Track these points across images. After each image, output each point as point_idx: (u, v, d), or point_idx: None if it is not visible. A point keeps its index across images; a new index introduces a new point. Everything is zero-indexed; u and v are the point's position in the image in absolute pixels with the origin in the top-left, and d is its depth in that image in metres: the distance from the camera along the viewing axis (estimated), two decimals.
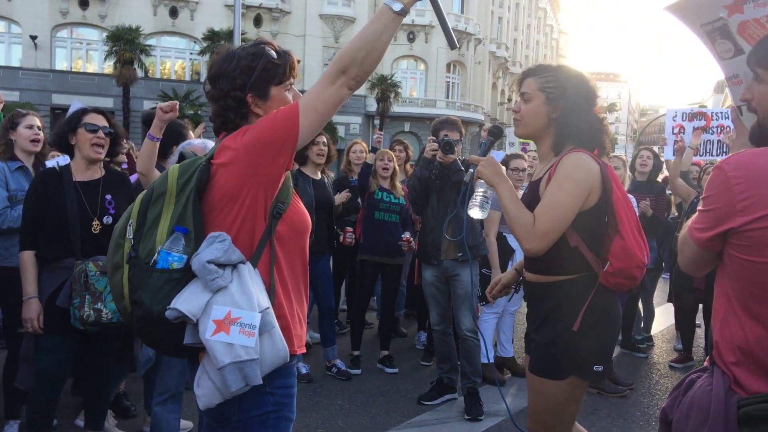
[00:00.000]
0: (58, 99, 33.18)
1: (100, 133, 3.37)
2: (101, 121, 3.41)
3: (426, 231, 4.77)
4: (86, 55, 37.12)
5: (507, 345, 5.66)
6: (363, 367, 5.52)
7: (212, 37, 32.73)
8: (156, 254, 1.83)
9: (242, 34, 28.42)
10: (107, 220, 3.35)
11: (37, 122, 4.15)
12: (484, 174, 2.58)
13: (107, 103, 32.92)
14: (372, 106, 39.02)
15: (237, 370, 1.77)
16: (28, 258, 3.30)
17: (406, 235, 5.43)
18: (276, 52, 2.04)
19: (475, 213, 2.64)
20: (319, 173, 5.35)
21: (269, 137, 1.86)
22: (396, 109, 39.00)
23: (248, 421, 1.91)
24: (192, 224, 1.86)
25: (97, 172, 3.47)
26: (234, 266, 1.86)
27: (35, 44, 34.36)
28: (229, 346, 1.76)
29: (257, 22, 38.01)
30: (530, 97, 2.59)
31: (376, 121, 39.12)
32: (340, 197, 5.82)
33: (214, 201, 1.92)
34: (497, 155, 6.40)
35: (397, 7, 1.88)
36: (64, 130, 3.38)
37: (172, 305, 1.79)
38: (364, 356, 5.70)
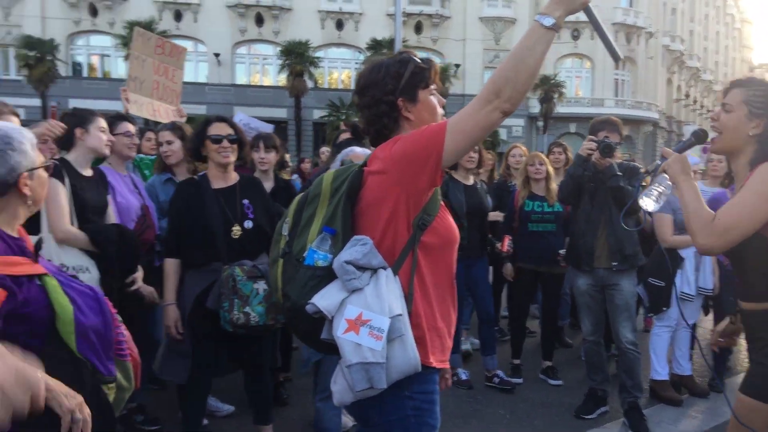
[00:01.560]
0: (239, 111, 36.00)
1: (225, 142, 3.55)
2: (225, 129, 3.59)
3: (577, 235, 4.55)
4: (262, 69, 39.95)
5: (683, 362, 5.19)
6: (525, 377, 5.38)
7: (375, 46, 33.76)
8: (306, 251, 1.92)
9: (403, 42, 29.16)
10: (248, 224, 3.52)
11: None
12: (672, 169, 2.45)
13: (281, 113, 35.23)
14: (535, 107, 38.12)
15: (363, 370, 1.81)
16: (170, 266, 3.55)
17: (563, 251, 5.17)
18: (420, 59, 2.10)
19: (647, 203, 2.50)
20: (471, 178, 5.28)
21: (414, 152, 1.90)
22: (560, 109, 37.77)
23: (389, 424, 1.95)
24: (340, 226, 1.95)
25: (232, 179, 3.65)
26: (374, 270, 1.91)
27: (218, 61, 37.57)
28: (358, 346, 1.81)
29: (418, 28, 38.66)
30: (732, 108, 2.44)
31: (540, 123, 38.16)
32: (495, 216, 5.73)
33: (363, 206, 2.00)
34: (690, 160, 5.93)
35: (549, 22, 1.81)
36: (195, 142, 3.60)
37: (312, 300, 1.88)
38: (527, 365, 5.55)
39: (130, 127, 4.09)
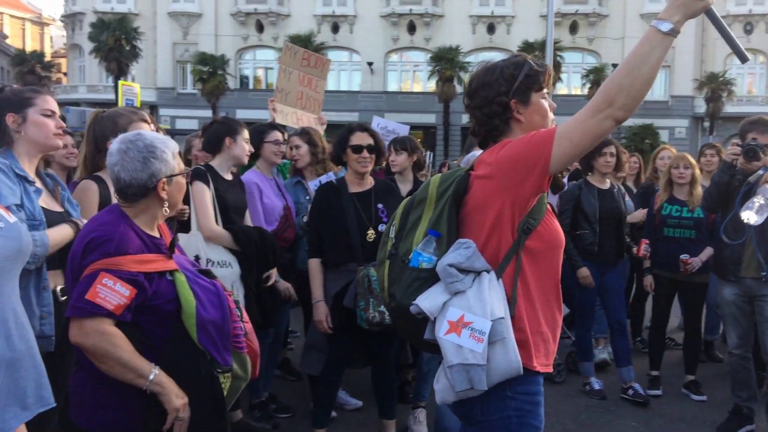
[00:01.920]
0: (389, 117, 36.93)
1: (365, 152, 3.70)
2: (365, 139, 3.73)
3: (723, 244, 4.20)
4: (413, 75, 40.67)
5: None
6: (665, 390, 5.07)
7: (526, 49, 33.11)
8: (411, 254, 2.00)
9: (557, 43, 28.39)
10: (381, 228, 3.64)
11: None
12: None
13: (430, 119, 35.65)
14: (701, 107, 35.44)
15: (463, 371, 1.84)
16: (314, 265, 3.75)
17: (686, 256, 4.82)
18: (534, 62, 2.10)
19: (748, 216, 2.31)
20: (607, 182, 5.07)
21: (521, 158, 1.91)
22: (730, 109, 34.74)
23: (490, 423, 1.97)
24: (445, 229, 2.00)
25: (368, 184, 3.81)
26: (477, 274, 1.94)
27: (371, 69, 38.80)
28: (459, 347, 1.85)
29: (573, 28, 37.41)
30: None
31: (706, 124, 35.39)
32: (635, 216, 5.47)
33: (468, 210, 2.03)
34: None
35: (666, 27, 1.75)
36: (337, 149, 3.78)
37: (415, 301, 1.93)
38: (669, 378, 5.22)
39: (279, 136, 4.42)
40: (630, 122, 34.90)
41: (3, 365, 1.36)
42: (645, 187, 6.36)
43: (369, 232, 3.65)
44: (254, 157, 4.32)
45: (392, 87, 40.44)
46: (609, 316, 5.13)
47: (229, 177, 3.96)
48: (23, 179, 2.49)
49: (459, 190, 2.03)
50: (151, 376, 2.00)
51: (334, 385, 3.84)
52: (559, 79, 29.01)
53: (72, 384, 2.15)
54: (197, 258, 3.61)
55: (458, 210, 2.04)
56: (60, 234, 2.55)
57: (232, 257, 3.67)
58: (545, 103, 2.10)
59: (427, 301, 1.92)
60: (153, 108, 39.50)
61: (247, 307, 3.61)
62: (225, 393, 2.19)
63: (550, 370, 2.05)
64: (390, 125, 6.82)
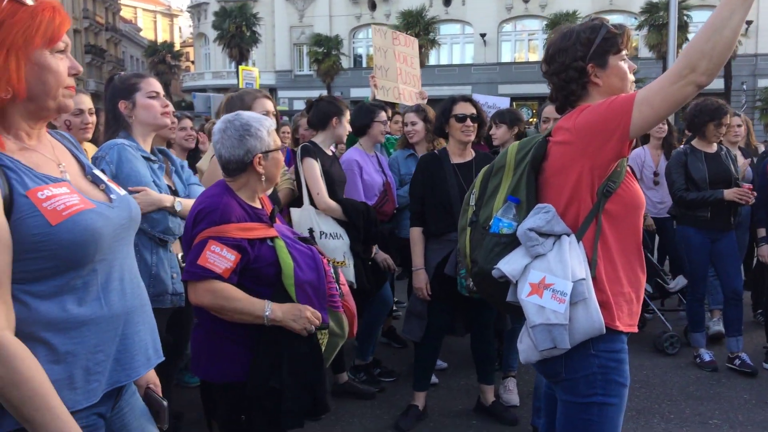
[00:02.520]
0: (503, 89, 36.26)
1: (468, 121, 3.73)
2: (469, 108, 3.77)
3: None
4: (528, 45, 39.52)
5: None
6: None
7: (650, 9, 31.29)
8: (491, 220, 2.07)
9: (683, 1, 26.55)
10: None
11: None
12: None
13: (545, 89, 34.49)
14: None
15: (546, 331, 1.90)
16: (416, 234, 3.84)
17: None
18: (611, 25, 2.09)
19: None
20: (714, 146, 4.80)
21: (599, 124, 1.92)
22: None
23: (575, 380, 2.00)
24: (524, 195, 2.05)
25: (469, 155, 3.85)
26: (557, 237, 1.98)
27: (484, 41, 38.11)
28: (541, 308, 1.91)
29: None
30: None
31: None
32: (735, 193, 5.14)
33: (547, 176, 2.07)
34: None
35: None
36: (440, 120, 3.85)
37: (497, 265, 2.01)
38: None
39: (383, 116, 4.61)
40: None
41: (122, 319, 1.57)
42: None
43: None
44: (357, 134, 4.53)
45: (506, 58, 39.55)
46: (723, 284, 4.90)
47: (329, 152, 4.16)
48: (146, 159, 2.79)
49: (537, 156, 2.07)
50: (267, 312, 2.21)
51: (434, 350, 3.96)
52: (686, 39, 27.08)
53: (192, 340, 2.42)
54: (311, 231, 3.85)
55: (537, 176, 2.08)
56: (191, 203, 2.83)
57: (342, 229, 3.86)
58: (624, 66, 2.08)
59: (509, 264, 1.98)
60: (272, 91, 41.08)
61: (357, 275, 3.81)
62: (323, 348, 2.36)
63: (635, 329, 2.06)
64: (490, 100, 6.80)
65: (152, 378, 1.85)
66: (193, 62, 51.72)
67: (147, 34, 68.43)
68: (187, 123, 4.98)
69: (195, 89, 44.59)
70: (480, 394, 4.02)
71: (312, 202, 3.89)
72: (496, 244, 2.05)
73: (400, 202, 4.58)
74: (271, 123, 2.45)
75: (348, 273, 3.80)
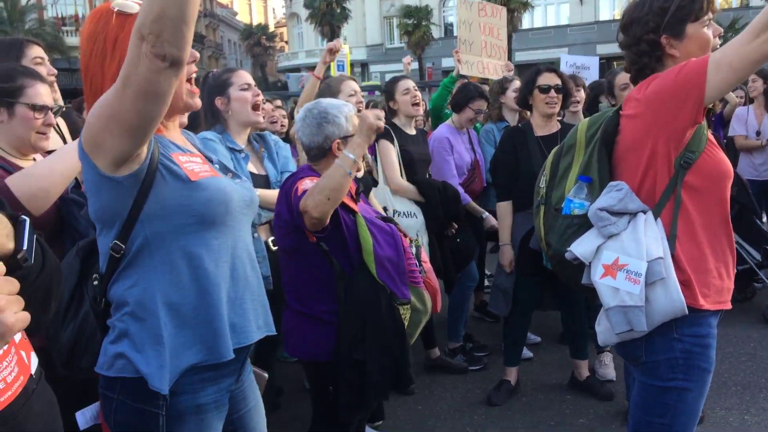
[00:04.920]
0: (602, 49, 34.73)
1: (552, 92, 3.64)
2: (553, 79, 3.67)
3: None
4: None
5: None
6: None
7: None
8: (563, 201, 2.04)
9: None
10: None
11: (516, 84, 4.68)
12: None
13: None
14: None
15: (621, 313, 1.86)
16: (504, 208, 3.81)
17: None
18: None
19: None
20: None
21: (670, 91, 1.84)
22: None
23: (656, 363, 1.95)
24: (596, 173, 2.00)
25: (554, 127, 3.76)
26: (632, 215, 1.91)
27: (580, 0, 36.52)
28: (615, 290, 1.86)
29: None
30: None
31: None
32: None
33: (620, 152, 2.01)
34: None
35: None
36: (523, 91, 3.77)
37: (569, 248, 1.98)
38: None
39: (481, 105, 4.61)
40: None
41: (243, 285, 1.69)
42: None
43: None
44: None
45: (604, 16, 37.71)
46: None
47: (412, 132, 4.19)
48: (232, 150, 2.93)
49: (607, 131, 2.00)
50: (350, 154, 2.27)
51: (522, 325, 3.94)
52: None
53: (283, 321, 2.55)
54: (385, 209, 3.92)
55: (609, 152, 2.01)
56: (271, 195, 2.96)
57: (417, 208, 3.91)
58: (707, 32, 1.96)
59: (581, 246, 1.95)
60: (363, 66, 41.37)
61: (432, 255, 3.85)
62: (406, 324, 2.42)
63: (726, 306, 1.95)
64: (579, 60, 6.55)
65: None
66: (287, 42, 52.85)
67: (243, 17, 70.42)
68: (267, 106, 5.12)
69: (290, 69, 45.63)
70: (573, 369, 3.97)
71: (387, 182, 3.96)
72: (568, 225, 2.02)
73: None
74: (350, 109, 2.52)
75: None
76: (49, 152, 2.26)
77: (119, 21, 1.51)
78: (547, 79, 3.69)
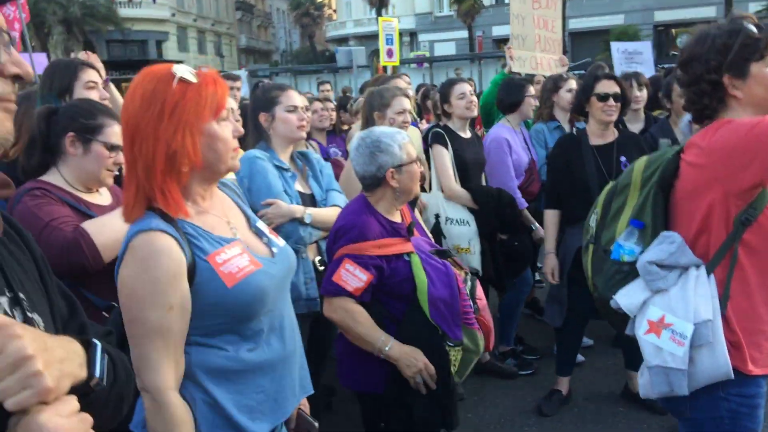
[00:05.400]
0: (660, 16, 33.47)
1: (610, 101, 3.54)
2: (612, 87, 3.55)
3: None
4: None
5: None
6: None
7: None
8: (613, 244, 1.99)
9: None
10: None
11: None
12: None
13: (708, 12, 31.32)
14: None
15: (662, 374, 1.84)
16: (550, 216, 3.76)
17: None
18: (755, 25, 1.86)
19: None
20: None
21: (738, 147, 1.75)
22: None
23: (701, 421, 1.93)
24: (650, 219, 1.95)
25: (611, 136, 3.64)
26: (684, 269, 1.86)
27: None
28: (658, 349, 1.83)
29: None
30: None
31: None
32: None
33: (677, 198, 1.94)
34: None
35: None
36: (580, 97, 3.65)
37: (615, 296, 1.94)
38: None
39: (532, 90, 4.54)
40: None
41: (281, 362, 1.71)
42: None
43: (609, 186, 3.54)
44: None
45: None
46: None
47: (467, 135, 4.13)
48: (280, 168, 2.93)
49: (666, 176, 1.93)
50: (386, 348, 2.34)
51: (576, 336, 3.91)
52: None
53: (336, 347, 2.58)
54: (437, 216, 3.89)
55: (666, 197, 1.94)
56: (323, 214, 2.97)
57: (470, 215, 3.88)
58: None
59: (627, 297, 1.92)
60: (412, 35, 40.83)
61: (483, 263, 3.82)
62: (457, 364, 2.43)
63: None
64: (630, 46, 6.32)
65: (302, 400, 2.00)
66: (335, 10, 52.53)
67: None
68: (317, 105, 5.10)
69: (337, 39, 45.45)
70: (627, 380, 3.92)
71: (441, 188, 3.92)
72: (616, 272, 1.99)
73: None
74: (403, 137, 2.49)
75: (473, 260, 3.83)
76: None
77: (181, 88, 1.52)
78: (606, 86, 3.57)
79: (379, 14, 37.14)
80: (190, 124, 1.52)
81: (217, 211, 1.71)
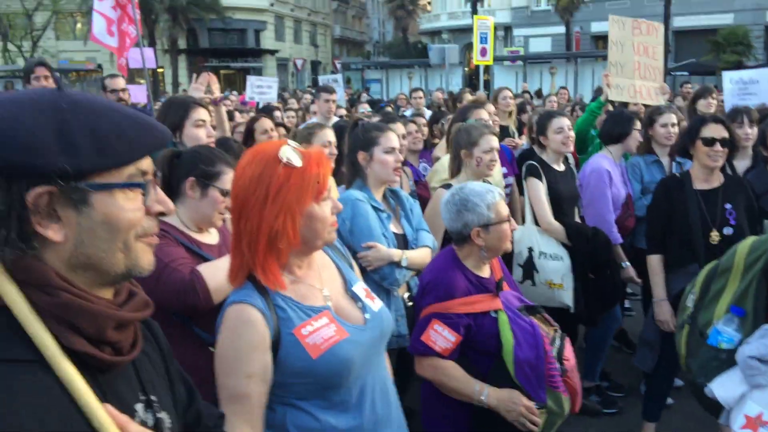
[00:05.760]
0: None
1: (717, 146, 3.42)
2: (719, 131, 3.43)
3: None
4: None
5: None
6: None
7: None
8: (710, 328, 1.94)
9: None
10: (727, 231, 3.38)
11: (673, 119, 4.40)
12: None
13: None
14: None
15: None
16: (655, 262, 3.66)
17: None
18: None
19: None
20: None
21: None
22: None
23: None
24: (751, 307, 1.93)
25: (716, 181, 3.52)
26: None
27: None
28: None
29: None
30: None
31: None
32: None
33: None
34: None
35: None
36: (685, 140, 3.59)
37: (710, 385, 1.90)
38: None
39: (638, 124, 4.46)
40: None
41: (373, 428, 1.78)
42: None
43: (712, 233, 3.43)
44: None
45: None
46: None
47: (560, 168, 4.09)
48: (376, 209, 3.02)
49: None
50: (483, 397, 2.38)
51: (667, 381, 3.83)
52: None
53: (421, 390, 2.64)
54: (530, 249, 3.87)
55: None
56: (416, 256, 3.03)
57: (564, 251, 3.85)
58: None
59: (723, 389, 1.90)
60: (507, 29, 40.14)
61: (576, 300, 3.78)
62: (541, 427, 2.43)
63: None
64: (746, 75, 5.96)
65: None
66: (429, 2, 52.31)
67: None
68: (412, 127, 5.12)
69: (431, 31, 45.30)
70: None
71: (535, 221, 3.92)
72: (712, 358, 1.96)
73: (641, 212, 4.36)
74: (494, 196, 2.50)
75: (565, 296, 3.80)
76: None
77: (286, 172, 1.61)
78: (713, 130, 3.45)
79: (474, 8, 36.67)
80: (292, 209, 1.62)
81: (313, 279, 1.80)
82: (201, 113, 3.14)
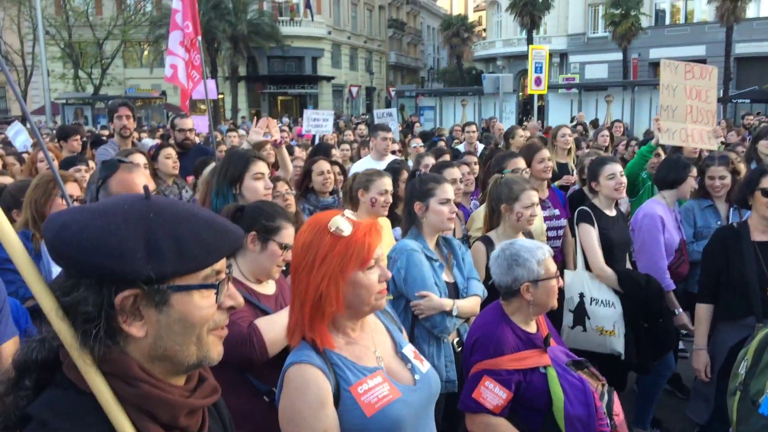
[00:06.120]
0: None
1: None
2: None
3: None
4: None
5: None
6: None
7: None
8: (762, 397, 1.95)
9: None
10: None
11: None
12: None
13: None
14: None
15: None
16: (703, 311, 3.64)
17: None
18: None
19: None
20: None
21: None
22: None
23: None
24: None
25: None
26: None
27: None
28: None
29: None
30: None
31: None
32: None
33: None
34: None
35: None
36: (743, 190, 3.57)
37: None
38: None
39: (695, 171, 4.43)
40: None
41: None
42: None
43: None
44: None
45: None
46: None
47: (612, 213, 4.11)
48: (429, 259, 3.11)
49: None
50: None
51: None
52: None
53: None
54: (582, 295, 3.88)
55: None
56: (467, 306, 3.11)
57: (615, 297, 3.85)
58: None
59: None
60: (563, 56, 39.89)
61: (627, 348, 3.76)
62: None
63: None
64: None
65: None
66: (485, 29, 52.45)
67: (443, 3, 70.98)
68: (464, 169, 5.15)
69: (486, 58, 45.39)
70: None
71: (587, 266, 3.94)
72: (764, 427, 1.98)
73: (693, 257, 4.31)
74: (544, 252, 2.56)
75: (617, 344, 3.79)
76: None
77: (332, 240, 1.72)
78: None
79: (530, 35, 36.62)
80: (335, 275, 1.73)
81: (366, 341, 1.89)
82: (260, 166, 3.28)
